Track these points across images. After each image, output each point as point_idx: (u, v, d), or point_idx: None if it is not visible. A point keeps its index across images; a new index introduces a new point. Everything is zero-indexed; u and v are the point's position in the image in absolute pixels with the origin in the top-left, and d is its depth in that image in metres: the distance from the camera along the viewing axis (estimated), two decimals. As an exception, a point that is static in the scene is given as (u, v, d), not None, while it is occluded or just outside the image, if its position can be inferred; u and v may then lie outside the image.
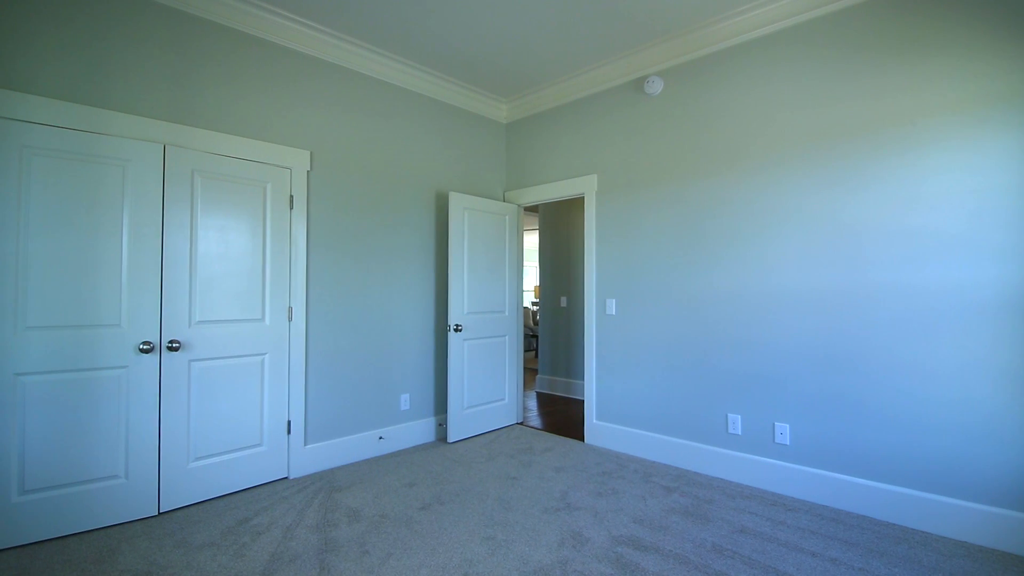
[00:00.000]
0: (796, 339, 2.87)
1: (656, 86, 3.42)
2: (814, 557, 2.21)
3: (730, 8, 2.98)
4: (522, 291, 4.52)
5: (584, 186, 3.94)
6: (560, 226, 5.80)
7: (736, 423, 3.09)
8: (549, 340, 5.85)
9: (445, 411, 4.06)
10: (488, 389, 4.15)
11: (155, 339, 2.62)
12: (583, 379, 5.49)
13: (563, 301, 5.71)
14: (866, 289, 2.65)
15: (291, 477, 3.14)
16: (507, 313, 4.33)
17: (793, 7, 2.86)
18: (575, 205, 5.68)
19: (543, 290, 5.91)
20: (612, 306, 3.74)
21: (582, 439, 3.96)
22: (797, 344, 2.87)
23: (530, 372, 7.26)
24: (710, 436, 3.21)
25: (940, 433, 2.45)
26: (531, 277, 12.50)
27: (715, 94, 3.23)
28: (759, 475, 2.99)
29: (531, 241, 11.69)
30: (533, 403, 5.25)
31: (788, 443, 2.89)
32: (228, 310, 2.89)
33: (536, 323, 8.89)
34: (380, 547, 2.29)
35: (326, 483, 3.05)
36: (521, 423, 4.43)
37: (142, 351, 2.57)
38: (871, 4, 2.65)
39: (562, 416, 4.70)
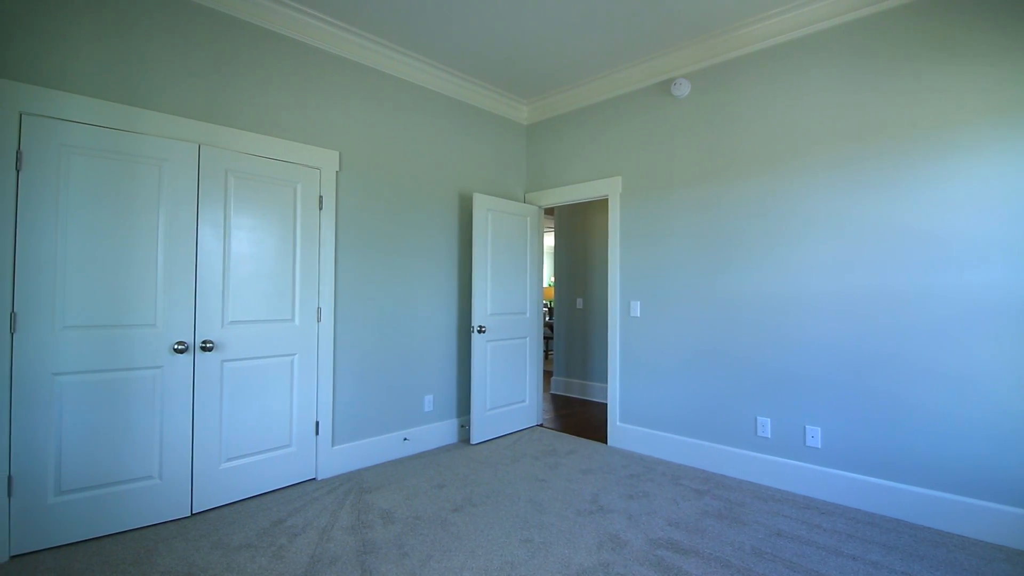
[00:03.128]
0: (827, 342, 2.87)
1: (683, 88, 3.42)
2: (854, 560, 2.21)
3: (761, 11, 2.98)
4: (542, 293, 4.52)
5: (607, 188, 3.94)
6: (577, 228, 5.80)
7: (765, 426, 3.08)
8: (564, 342, 5.84)
9: (467, 412, 4.06)
10: (510, 391, 4.14)
11: (189, 339, 2.62)
12: (601, 381, 5.49)
13: (579, 303, 5.71)
14: (900, 292, 2.65)
15: (319, 478, 3.12)
16: (528, 315, 4.32)
17: (825, 11, 2.86)
18: (592, 207, 5.68)
19: (559, 291, 5.91)
20: (636, 308, 3.74)
21: (605, 441, 3.95)
22: (828, 347, 2.87)
23: (545, 374, 7.24)
24: (739, 439, 3.20)
25: (973, 435, 2.45)
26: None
27: (745, 97, 3.23)
28: (789, 478, 2.98)
29: (545, 242, 11.68)
30: (549, 405, 5.24)
31: (819, 446, 2.88)
32: (259, 310, 2.88)
33: (547, 325, 8.88)
34: (419, 549, 2.28)
35: (355, 484, 3.04)
36: (541, 425, 4.42)
37: (176, 351, 2.56)
38: (902, 9, 2.66)
39: (581, 418, 4.69)
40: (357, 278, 3.35)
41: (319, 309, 3.14)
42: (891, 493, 2.65)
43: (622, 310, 3.83)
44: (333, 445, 3.21)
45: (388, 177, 3.53)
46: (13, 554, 2.20)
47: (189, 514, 2.62)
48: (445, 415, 3.89)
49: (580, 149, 4.17)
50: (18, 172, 2.20)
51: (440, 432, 3.83)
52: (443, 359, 3.88)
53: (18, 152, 2.20)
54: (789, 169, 3.03)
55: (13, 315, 2.19)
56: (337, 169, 3.23)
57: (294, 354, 3.03)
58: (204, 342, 2.65)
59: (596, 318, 5.55)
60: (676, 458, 3.49)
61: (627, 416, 3.78)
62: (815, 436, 2.90)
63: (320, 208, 3.15)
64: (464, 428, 4.01)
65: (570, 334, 5.79)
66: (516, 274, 4.21)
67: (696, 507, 2.75)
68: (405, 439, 3.59)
